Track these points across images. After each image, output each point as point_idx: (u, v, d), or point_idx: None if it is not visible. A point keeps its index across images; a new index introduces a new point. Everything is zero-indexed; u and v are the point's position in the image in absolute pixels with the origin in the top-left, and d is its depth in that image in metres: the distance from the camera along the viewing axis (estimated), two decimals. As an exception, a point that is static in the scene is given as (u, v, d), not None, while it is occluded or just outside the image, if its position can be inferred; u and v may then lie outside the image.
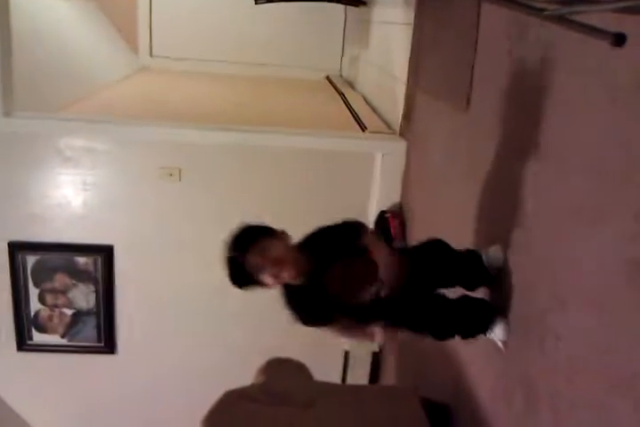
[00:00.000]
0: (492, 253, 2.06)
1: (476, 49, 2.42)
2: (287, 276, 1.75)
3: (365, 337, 2.03)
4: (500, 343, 2.00)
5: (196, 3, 6.19)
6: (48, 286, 3.78)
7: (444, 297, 2.06)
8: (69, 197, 3.62)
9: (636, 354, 1.35)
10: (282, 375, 2.43)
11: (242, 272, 1.72)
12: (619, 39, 1.14)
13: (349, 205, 3.53)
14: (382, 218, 3.46)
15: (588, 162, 1.60)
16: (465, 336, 2.10)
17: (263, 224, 1.79)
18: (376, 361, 3.86)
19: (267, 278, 1.73)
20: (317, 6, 5.80)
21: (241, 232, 1.77)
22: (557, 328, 1.68)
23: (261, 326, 3.93)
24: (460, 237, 2.41)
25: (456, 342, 2.47)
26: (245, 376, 2.48)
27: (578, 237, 1.61)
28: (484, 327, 2.01)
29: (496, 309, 2.04)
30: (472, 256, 2.09)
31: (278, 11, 5.77)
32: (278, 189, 3.66)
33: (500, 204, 2.12)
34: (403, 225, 3.39)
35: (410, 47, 3.44)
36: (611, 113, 1.50)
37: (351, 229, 1.88)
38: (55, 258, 3.74)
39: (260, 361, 2.57)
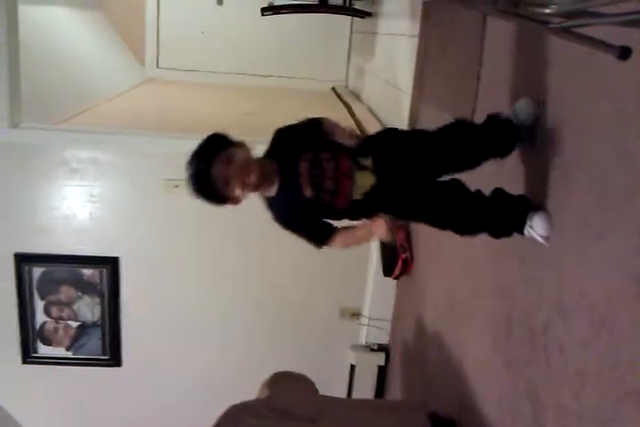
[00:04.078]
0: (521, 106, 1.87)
1: (481, 61, 2.42)
2: (254, 180, 1.69)
3: (370, 233, 1.82)
4: (541, 239, 1.78)
5: (203, 14, 6.21)
6: (53, 298, 3.78)
7: (452, 186, 1.86)
8: (75, 208, 3.62)
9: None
10: (287, 390, 2.41)
11: (208, 186, 1.67)
12: (624, 53, 1.13)
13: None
14: (388, 230, 3.45)
15: (592, 175, 1.59)
16: (495, 233, 1.88)
17: (223, 135, 1.76)
18: (381, 375, 3.84)
19: (234, 188, 1.68)
20: (323, 18, 5.82)
21: (201, 146, 1.73)
22: (562, 341, 1.67)
23: (267, 340, 3.92)
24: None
25: (461, 356, 2.46)
26: (250, 390, 2.47)
27: (583, 249, 1.60)
28: (518, 224, 1.81)
29: (530, 202, 1.86)
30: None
31: (285, 22, 5.79)
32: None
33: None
34: (408, 236, 3.38)
35: (415, 59, 3.44)
36: (616, 126, 1.49)
37: (309, 124, 1.81)
38: (61, 270, 3.75)
39: (264, 375, 2.56)
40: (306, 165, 1.72)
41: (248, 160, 1.72)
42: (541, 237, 1.78)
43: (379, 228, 1.74)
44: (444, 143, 1.84)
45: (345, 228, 1.83)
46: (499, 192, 1.89)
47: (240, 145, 1.74)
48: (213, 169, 1.66)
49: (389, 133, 1.95)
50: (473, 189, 1.88)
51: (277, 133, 1.82)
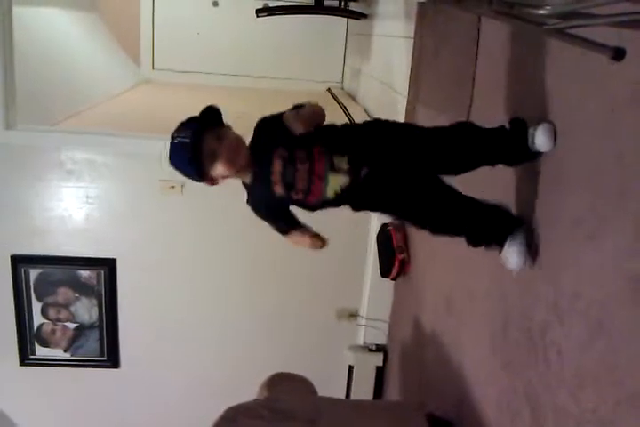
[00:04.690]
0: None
1: (476, 63, 2.42)
2: (241, 162, 1.68)
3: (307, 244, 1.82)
4: (512, 267, 1.78)
5: (198, 15, 6.21)
6: (51, 299, 3.78)
7: (442, 186, 1.81)
8: (72, 209, 3.62)
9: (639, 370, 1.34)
10: (285, 391, 2.41)
11: (194, 156, 1.63)
12: (618, 53, 1.14)
13: (352, 219, 3.52)
14: (384, 231, 3.45)
15: (585, 174, 1.59)
16: (473, 241, 1.86)
17: (219, 111, 1.73)
18: (380, 376, 3.85)
19: (217, 165, 1.65)
20: (319, 19, 5.82)
21: (197, 117, 1.70)
22: (560, 343, 1.67)
23: (265, 341, 3.92)
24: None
25: (461, 357, 2.46)
26: (248, 392, 2.46)
27: (577, 250, 1.61)
28: (500, 237, 1.78)
29: (518, 219, 1.84)
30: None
31: (281, 23, 5.79)
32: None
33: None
34: (405, 237, 3.38)
35: (410, 60, 3.44)
36: (608, 126, 1.50)
37: (274, 119, 1.73)
38: (58, 271, 3.74)
39: (263, 376, 2.55)
40: (279, 162, 1.68)
41: (239, 141, 1.70)
42: (513, 265, 1.78)
43: (305, 243, 1.81)
44: (442, 142, 1.77)
45: (302, 228, 1.83)
46: (493, 207, 1.85)
47: (230, 127, 1.73)
48: (205, 141, 1.64)
49: (376, 127, 1.84)
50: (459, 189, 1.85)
51: (260, 123, 1.78)
